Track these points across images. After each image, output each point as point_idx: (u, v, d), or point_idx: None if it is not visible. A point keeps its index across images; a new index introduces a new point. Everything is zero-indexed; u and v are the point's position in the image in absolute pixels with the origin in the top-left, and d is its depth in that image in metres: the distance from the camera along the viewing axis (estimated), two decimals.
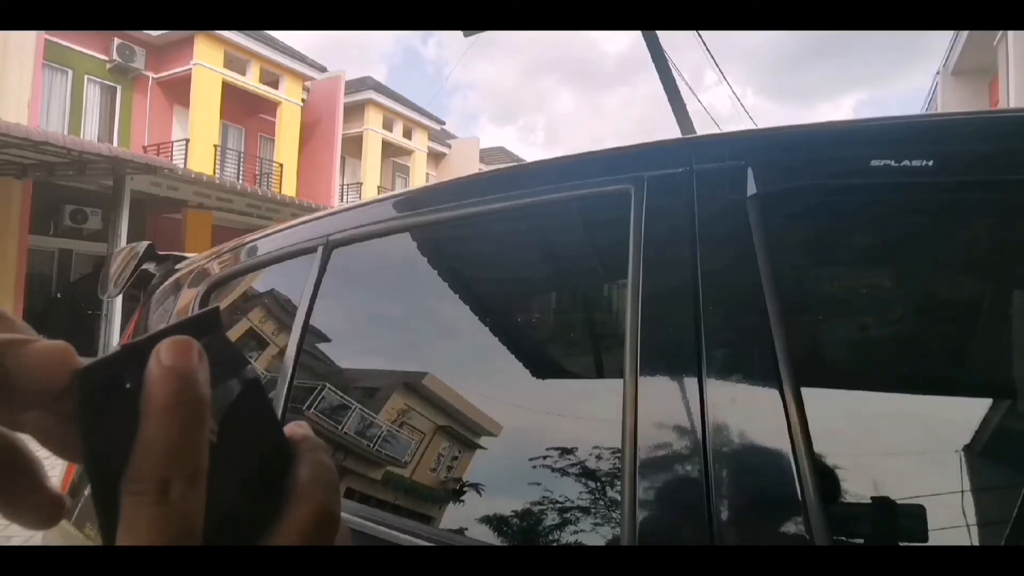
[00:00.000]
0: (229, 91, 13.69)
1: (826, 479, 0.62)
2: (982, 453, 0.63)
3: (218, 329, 0.23)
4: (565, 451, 0.79)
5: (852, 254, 0.84)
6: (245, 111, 14.54)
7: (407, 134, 18.77)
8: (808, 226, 0.81)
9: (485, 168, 1.79)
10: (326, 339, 1.19)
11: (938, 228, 0.78)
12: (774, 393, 0.64)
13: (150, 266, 1.65)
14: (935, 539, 0.59)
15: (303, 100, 15.52)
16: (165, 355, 0.20)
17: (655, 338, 0.74)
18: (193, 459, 0.19)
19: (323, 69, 15.73)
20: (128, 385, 0.20)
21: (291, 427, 0.24)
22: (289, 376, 1.10)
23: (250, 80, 14.21)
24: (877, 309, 0.82)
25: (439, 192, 1.14)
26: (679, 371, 0.71)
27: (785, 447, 0.62)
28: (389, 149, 18.23)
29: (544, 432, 0.86)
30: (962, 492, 0.61)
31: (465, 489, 0.90)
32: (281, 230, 1.36)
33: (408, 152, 18.96)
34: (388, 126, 17.93)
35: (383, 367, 1.16)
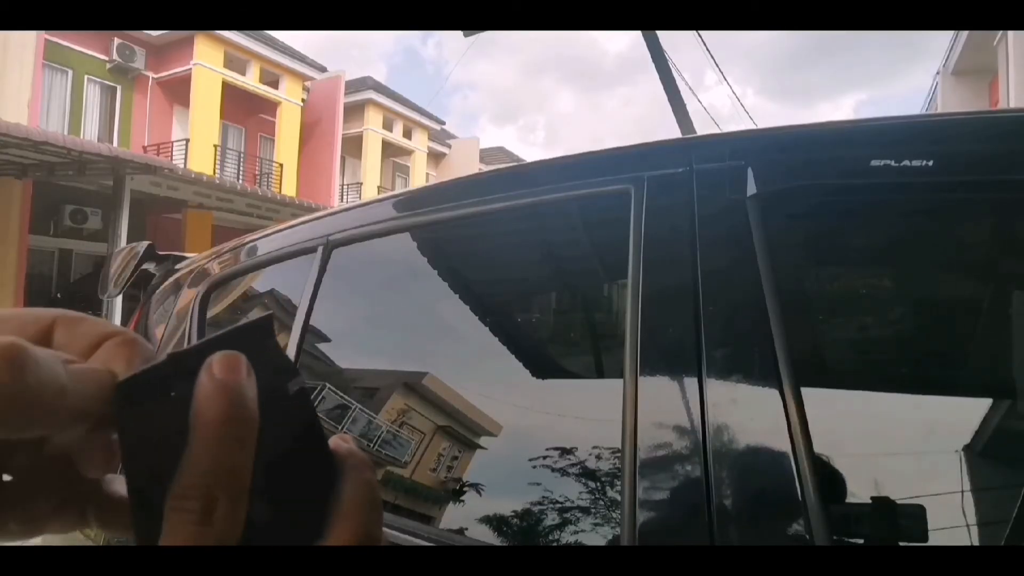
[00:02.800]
0: (229, 91, 13.68)
1: (826, 479, 0.61)
2: (982, 453, 0.63)
3: (270, 337, 0.22)
4: (565, 451, 0.79)
5: (852, 254, 0.84)
6: (245, 111, 14.54)
7: (407, 134, 18.77)
8: (808, 226, 0.81)
9: (485, 168, 1.79)
10: (326, 339, 1.19)
11: (938, 228, 0.78)
12: (774, 393, 0.64)
13: (150, 266, 1.65)
14: (935, 539, 0.59)
15: (303, 100, 15.51)
16: (218, 370, 0.19)
17: (655, 338, 0.74)
18: (239, 478, 0.19)
19: (323, 69, 15.73)
20: (173, 395, 0.19)
21: (335, 440, 0.24)
22: None
23: (250, 80, 14.20)
24: (877, 309, 0.82)
25: (439, 192, 1.14)
26: (679, 371, 0.71)
27: (785, 447, 0.62)
28: (389, 149, 18.22)
29: (544, 432, 0.86)
30: (962, 492, 0.61)
31: (465, 489, 0.90)
32: (281, 230, 1.36)
33: (408, 152, 18.95)
34: (388, 126, 17.93)
35: (383, 367, 1.16)
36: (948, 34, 10.13)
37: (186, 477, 0.19)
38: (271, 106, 14.84)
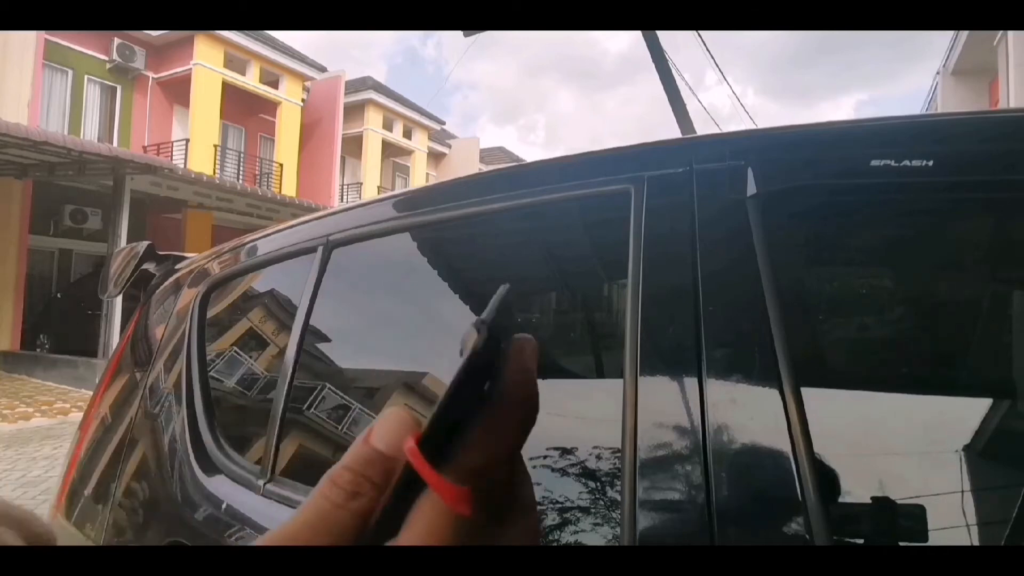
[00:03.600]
0: (229, 91, 13.69)
1: (826, 479, 0.62)
2: (982, 453, 0.63)
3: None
4: (565, 451, 0.79)
5: (852, 254, 0.84)
6: (245, 111, 14.55)
7: (407, 134, 18.77)
8: (808, 226, 0.81)
9: (485, 168, 1.79)
10: (326, 339, 1.19)
11: (938, 228, 0.78)
12: (774, 393, 0.64)
13: (150, 266, 1.65)
14: (935, 539, 0.59)
15: (303, 100, 15.52)
16: (530, 359, 0.21)
17: (655, 338, 0.74)
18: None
19: (323, 69, 15.73)
20: (461, 353, 0.20)
21: None
22: (289, 376, 1.10)
23: (250, 80, 14.21)
24: (877, 309, 0.82)
25: (439, 192, 1.14)
26: (679, 371, 0.71)
27: (785, 447, 0.62)
28: (389, 149, 18.23)
29: (544, 432, 0.86)
30: (962, 492, 0.61)
31: None
32: (281, 230, 1.36)
33: (408, 152, 18.96)
34: (388, 126, 17.93)
35: (383, 367, 1.16)
36: (948, 34, 10.14)
37: (485, 450, 0.19)
38: (271, 106, 14.84)
